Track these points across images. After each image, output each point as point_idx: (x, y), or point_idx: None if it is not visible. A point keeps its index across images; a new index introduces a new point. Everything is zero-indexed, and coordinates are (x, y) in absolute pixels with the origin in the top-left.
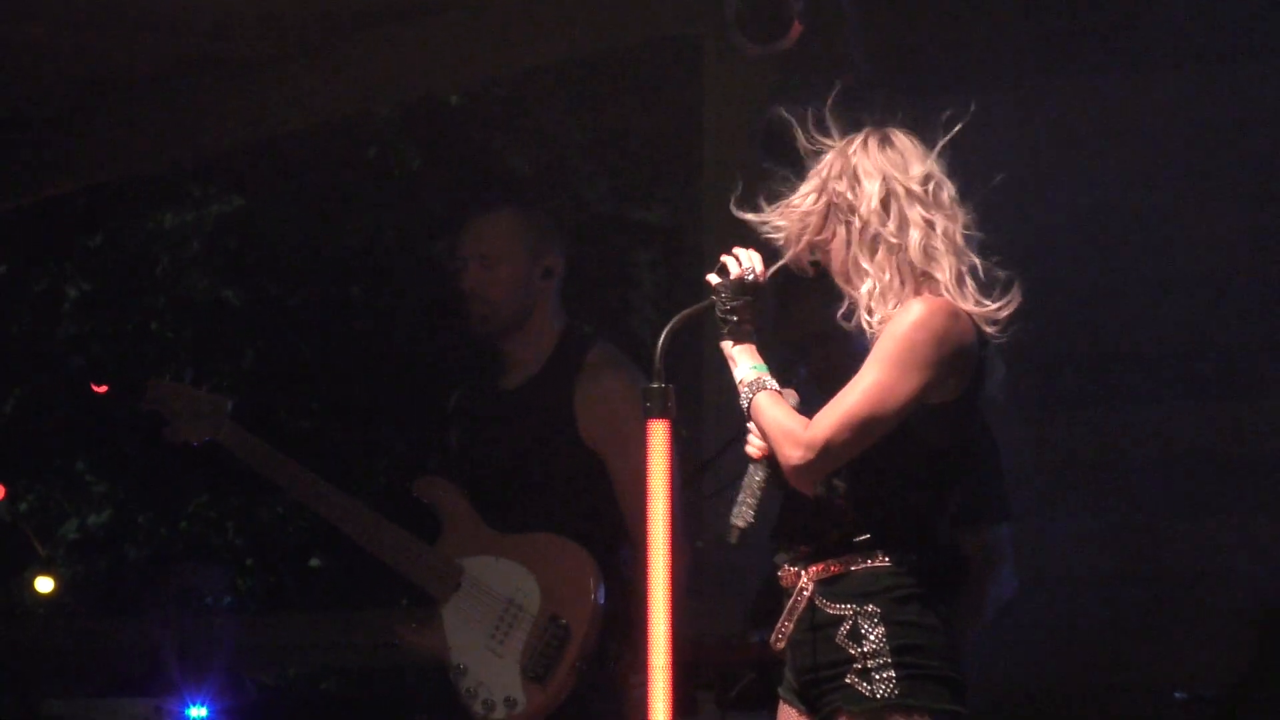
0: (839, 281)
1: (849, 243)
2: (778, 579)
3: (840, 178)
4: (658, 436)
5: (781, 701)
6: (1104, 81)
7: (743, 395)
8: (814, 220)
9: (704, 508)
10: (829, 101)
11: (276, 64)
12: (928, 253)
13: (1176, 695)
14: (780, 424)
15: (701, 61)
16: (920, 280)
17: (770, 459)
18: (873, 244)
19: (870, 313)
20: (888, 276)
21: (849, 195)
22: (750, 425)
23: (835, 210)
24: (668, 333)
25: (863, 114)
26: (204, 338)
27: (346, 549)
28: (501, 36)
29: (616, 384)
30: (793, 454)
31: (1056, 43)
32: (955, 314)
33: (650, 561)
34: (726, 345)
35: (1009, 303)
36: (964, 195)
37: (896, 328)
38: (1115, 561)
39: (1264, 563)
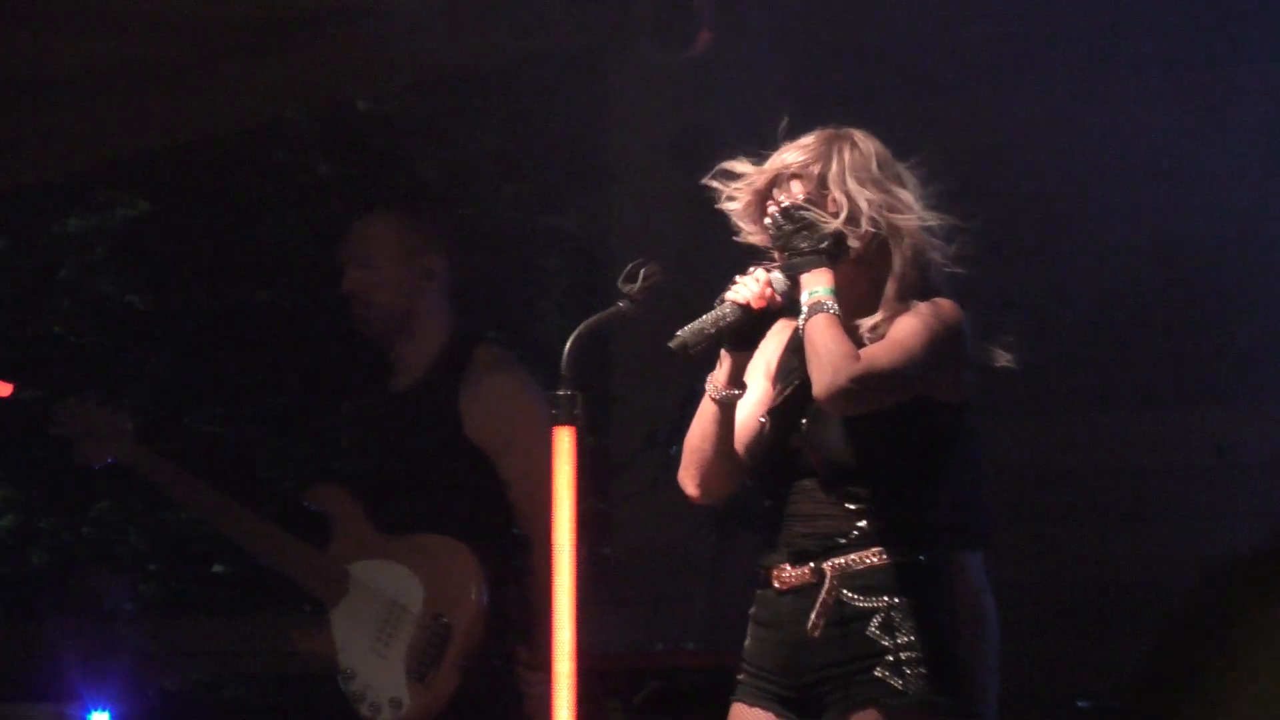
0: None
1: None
2: (769, 583)
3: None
4: (564, 443)
5: (749, 707)
6: (1018, 96)
7: (805, 309)
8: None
9: (611, 515)
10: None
11: (186, 70)
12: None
13: (1080, 704)
14: (834, 346)
15: (610, 69)
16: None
17: (745, 308)
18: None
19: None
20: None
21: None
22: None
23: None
24: (575, 339)
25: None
26: (109, 342)
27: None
28: (411, 44)
29: (503, 384)
30: (839, 377)
31: (966, 52)
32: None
33: (555, 568)
34: (792, 271)
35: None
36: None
37: (941, 315)
38: (1048, 570)
39: (1173, 571)
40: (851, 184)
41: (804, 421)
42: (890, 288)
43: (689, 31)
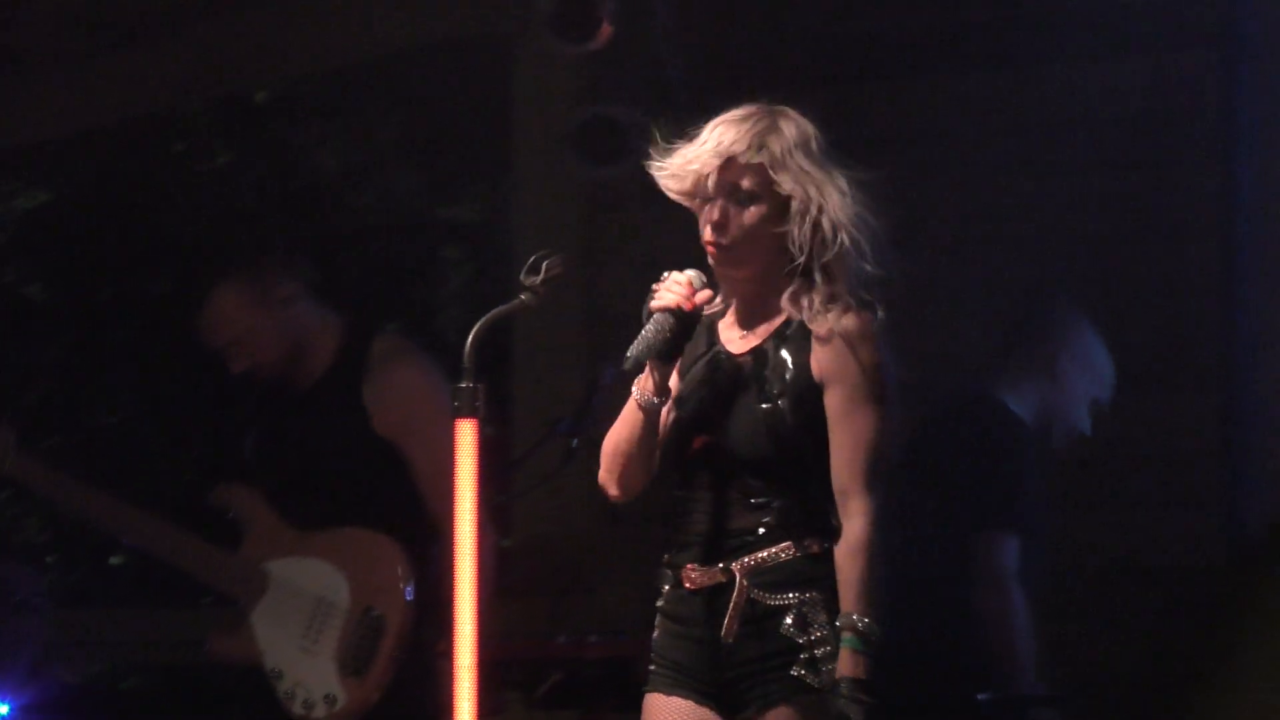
0: (765, 275)
1: (810, 238)
2: (678, 584)
3: (806, 171)
4: (465, 436)
5: (665, 696)
6: (923, 83)
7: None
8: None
9: (512, 507)
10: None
11: (85, 59)
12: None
13: (979, 698)
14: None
15: (511, 60)
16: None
17: (677, 313)
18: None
19: (812, 315)
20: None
21: (814, 193)
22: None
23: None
24: (477, 331)
25: (674, 114)
26: (7, 333)
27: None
28: (312, 33)
29: (406, 373)
30: (860, 524)
31: (872, 44)
32: None
33: (457, 560)
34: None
35: None
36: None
37: (867, 353)
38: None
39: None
40: (796, 163)
41: (708, 417)
42: (822, 287)
43: (589, 25)
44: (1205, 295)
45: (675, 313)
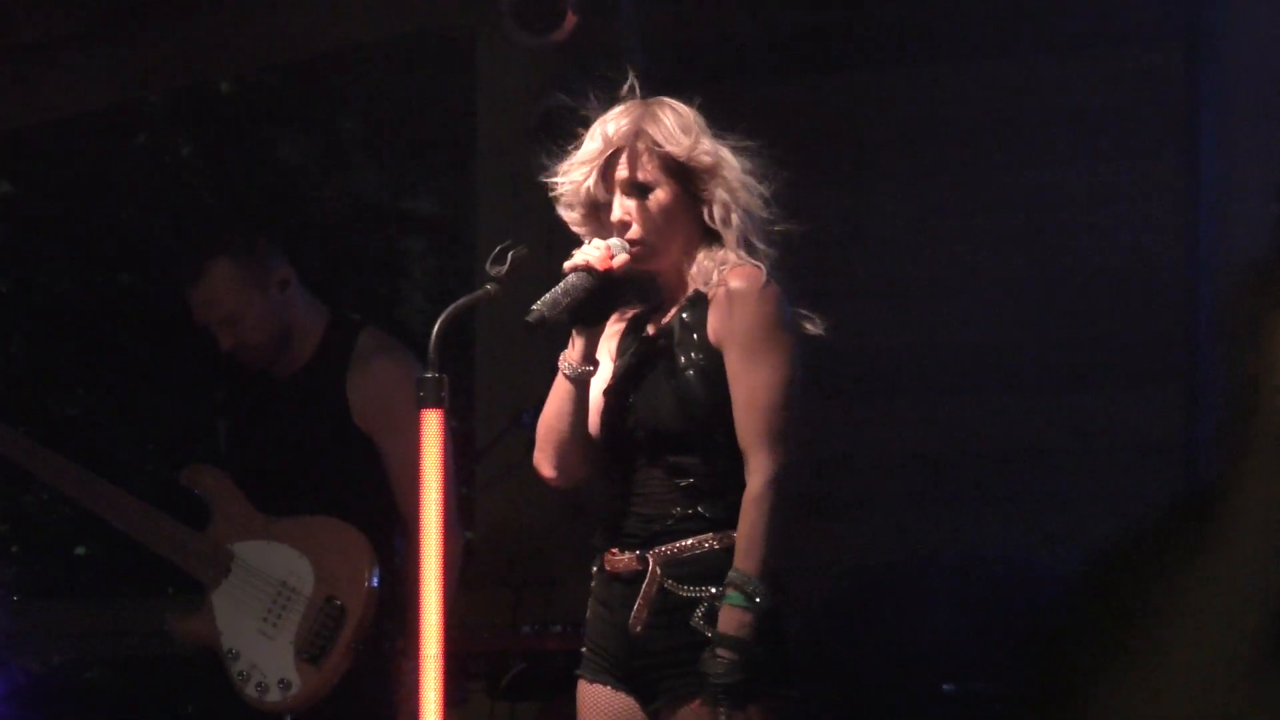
0: (663, 243)
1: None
2: (602, 567)
3: (691, 141)
4: (431, 426)
5: (589, 683)
6: (887, 76)
7: None
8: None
9: (475, 499)
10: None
11: (46, 50)
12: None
13: (945, 688)
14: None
15: (475, 52)
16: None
17: (590, 273)
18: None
19: (705, 281)
20: (731, 240)
21: (704, 158)
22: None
23: (693, 173)
24: (443, 322)
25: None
26: None
27: (112, 537)
28: (274, 25)
29: (388, 368)
30: (758, 480)
31: (836, 37)
32: None
33: (423, 551)
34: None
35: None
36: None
37: (754, 307)
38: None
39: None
40: (689, 141)
41: (628, 399)
42: (715, 253)
43: (553, 16)
44: (1168, 288)
45: (589, 272)
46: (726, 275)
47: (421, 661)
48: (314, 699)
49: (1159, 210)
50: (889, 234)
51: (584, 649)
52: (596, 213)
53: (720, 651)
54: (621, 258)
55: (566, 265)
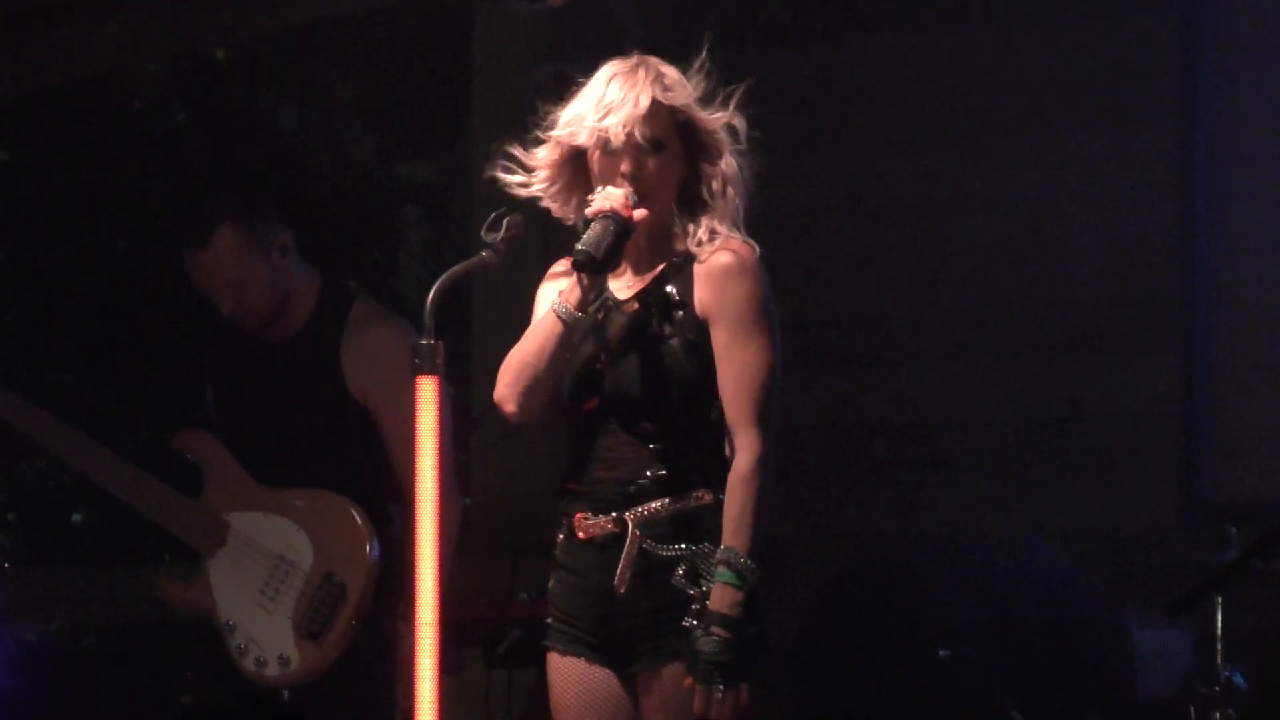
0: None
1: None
2: (571, 534)
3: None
4: (426, 393)
5: (561, 655)
6: (882, 43)
7: None
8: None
9: (472, 465)
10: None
11: (41, 18)
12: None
13: (941, 653)
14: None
15: (472, 19)
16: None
17: (615, 218)
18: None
19: (698, 248)
20: (723, 211)
21: (713, 122)
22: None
23: (701, 142)
24: (438, 289)
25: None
26: None
27: (109, 505)
28: None
29: (384, 336)
30: (745, 459)
31: (832, 4)
32: None
33: (419, 517)
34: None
35: None
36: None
37: (749, 285)
38: (884, 520)
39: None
40: (679, 95)
41: (599, 364)
42: (705, 221)
43: None
44: (1163, 255)
45: (614, 218)
46: (722, 249)
47: (417, 628)
48: (312, 675)
49: (1156, 177)
50: (884, 202)
51: (550, 619)
52: (569, 170)
53: (714, 630)
54: (641, 211)
55: (590, 210)
